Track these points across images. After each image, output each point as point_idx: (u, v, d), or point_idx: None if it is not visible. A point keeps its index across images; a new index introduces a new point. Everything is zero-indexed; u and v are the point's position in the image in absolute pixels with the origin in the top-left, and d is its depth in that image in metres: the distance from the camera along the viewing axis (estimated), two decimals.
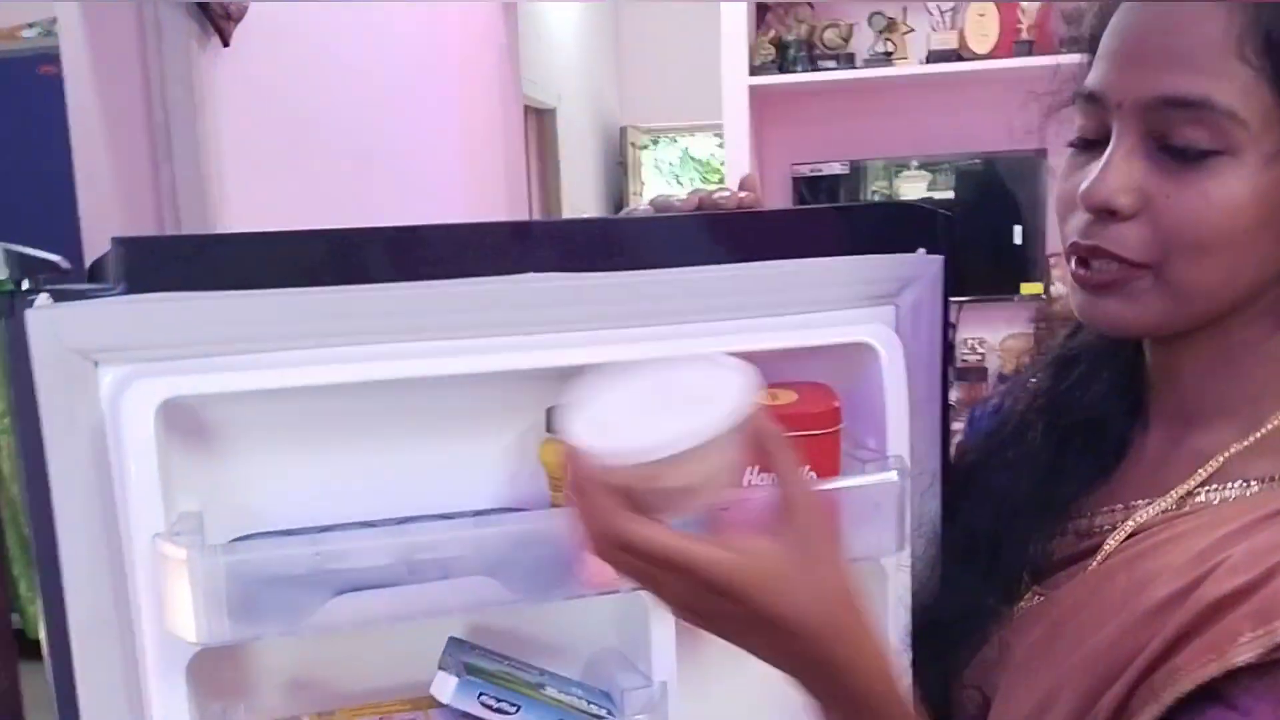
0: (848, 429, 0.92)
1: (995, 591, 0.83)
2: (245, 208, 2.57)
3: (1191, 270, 0.72)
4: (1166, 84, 0.70)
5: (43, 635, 0.78)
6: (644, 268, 0.86)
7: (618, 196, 6.92)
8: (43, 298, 0.75)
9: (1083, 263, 0.77)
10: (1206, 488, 0.76)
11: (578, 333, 0.84)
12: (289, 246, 0.80)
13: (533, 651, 0.92)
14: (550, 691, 0.82)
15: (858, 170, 3.72)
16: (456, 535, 0.77)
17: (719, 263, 0.87)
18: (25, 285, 0.76)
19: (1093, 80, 0.76)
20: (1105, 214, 0.74)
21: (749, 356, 0.87)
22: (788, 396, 0.85)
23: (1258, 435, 0.77)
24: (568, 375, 0.87)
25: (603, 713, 0.82)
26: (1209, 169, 0.70)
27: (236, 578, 0.71)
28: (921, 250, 0.92)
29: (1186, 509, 0.76)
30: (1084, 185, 0.74)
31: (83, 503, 0.75)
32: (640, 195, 7.30)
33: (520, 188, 4.46)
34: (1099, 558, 0.78)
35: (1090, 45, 0.82)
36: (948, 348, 0.94)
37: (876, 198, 3.75)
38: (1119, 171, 0.73)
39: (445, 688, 0.78)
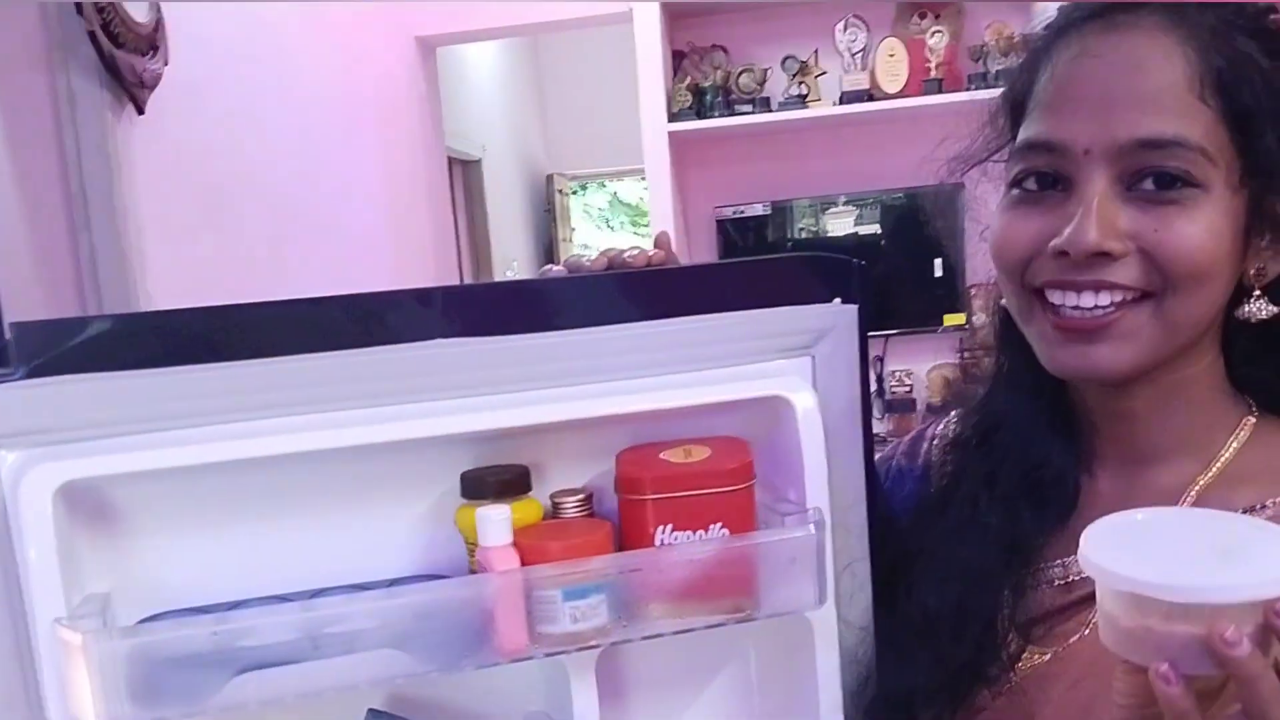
0: (770, 481, 0.93)
1: (980, 658, 0.84)
2: (166, 274, 2.54)
3: (1188, 300, 0.76)
4: (1142, 127, 0.74)
5: None
6: (556, 329, 0.86)
7: (547, 244, 6.93)
8: None
9: (1056, 310, 0.79)
10: None
11: (489, 396, 0.84)
12: (187, 323, 0.79)
13: (459, 718, 0.91)
14: None
15: (780, 210, 3.77)
16: (360, 608, 0.76)
17: (632, 320, 0.88)
18: None
19: (1045, 130, 0.79)
20: (1097, 257, 0.76)
21: (664, 413, 0.89)
22: (701, 452, 0.86)
23: (1218, 466, 0.81)
24: (480, 440, 0.88)
25: None
26: (1185, 203, 0.74)
27: (135, 660, 0.69)
28: (837, 300, 0.93)
29: None
30: (1067, 233, 0.76)
31: None
32: (569, 241, 7.32)
33: (448, 241, 4.45)
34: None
35: (1013, 102, 0.84)
36: (867, 395, 0.95)
37: (804, 235, 3.79)
38: (1103, 216, 0.75)
39: None
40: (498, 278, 5.53)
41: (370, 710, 0.85)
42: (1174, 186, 0.74)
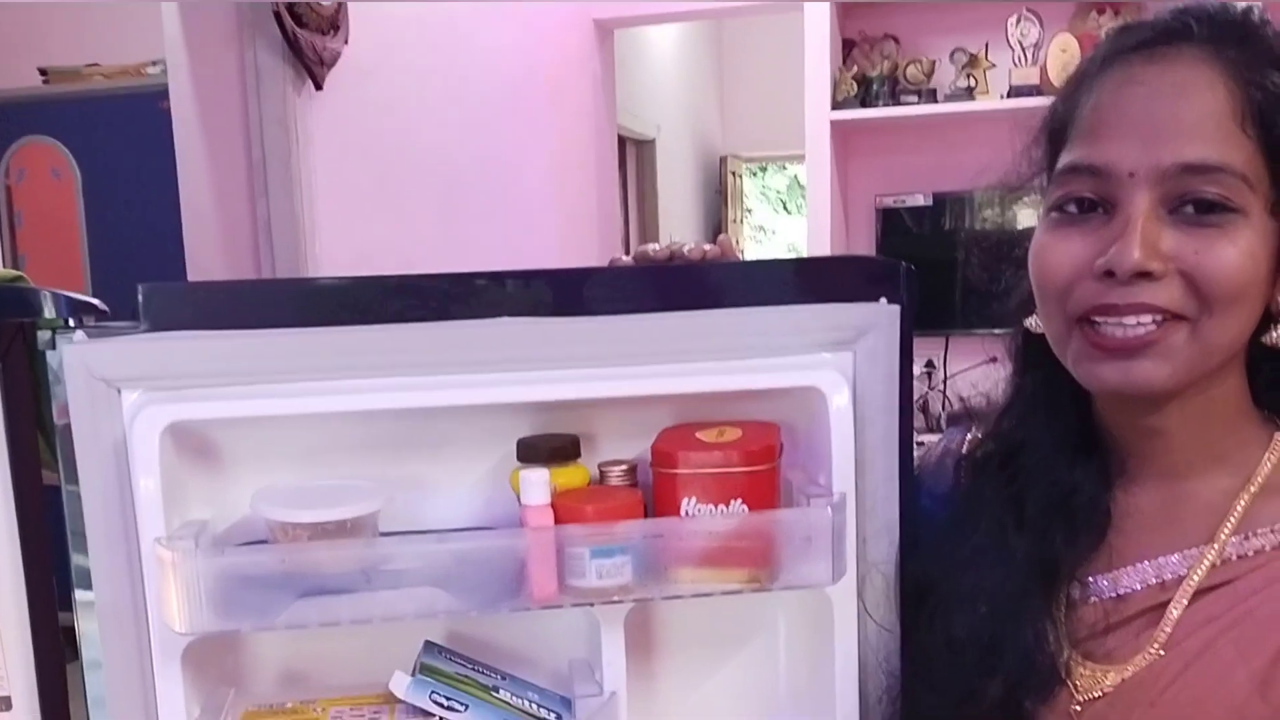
0: (805, 466, 1.00)
1: (1027, 681, 0.84)
2: (336, 242, 2.73)
3: (1224, 322, 0.79)
4: (1187, 152, 0.77)
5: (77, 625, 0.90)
6: (615, 314, 0.94)
7: (716, 224, 7.01)
8: (79, 334, 0.88)
9: (1096, 328, 0.81)
10: (1239, 536, 0.82)
11: (548, 371, 0.93)
12: (290, 291, 0.91)
13: (510, 659, 1.01)
14: (503, 694, 0.91)
15: (940, 202, 3.75)
16: (408, 550, 0.87)
17: (685, 309, 0.96)
18: (69, 323, 0.90)
19: (1090, 154, 0.81)
20: (1139, 278, 0.79)
21: (712, 396, 0.97)
22: (733, 433, 0.93)
23: (1260, 480, 0.83)
24: (539, 410, 0.98)
25: (551, 717, 0.91)
26: (1226, 227, 0.78)
27: (215, 578, 0.82)
28: (882, 299, 0.98)
29: (1238, 560, 0.81)
30: (1112, 252, 0.79)
31: (105, 509, 0.88)
32: (740, 223, 7.37)
33: (614, 219, 4.58)
34: (1168, 625, 0.81)
35: (1051, 131, 0.88)
36: (908, 393, 1.00)
37: (986, 226, 3.77)
38: (1147, 236, 0.78)
39: (400, 684, 0.88)
40: None
41: (426, 641, 0.96)
42: (1215, 211, 0.77)
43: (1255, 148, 0.77)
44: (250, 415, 0.89)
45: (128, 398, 0.88)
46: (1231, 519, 0.82)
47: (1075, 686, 0.84)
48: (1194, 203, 0.78)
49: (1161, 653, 0.81)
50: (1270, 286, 0.80)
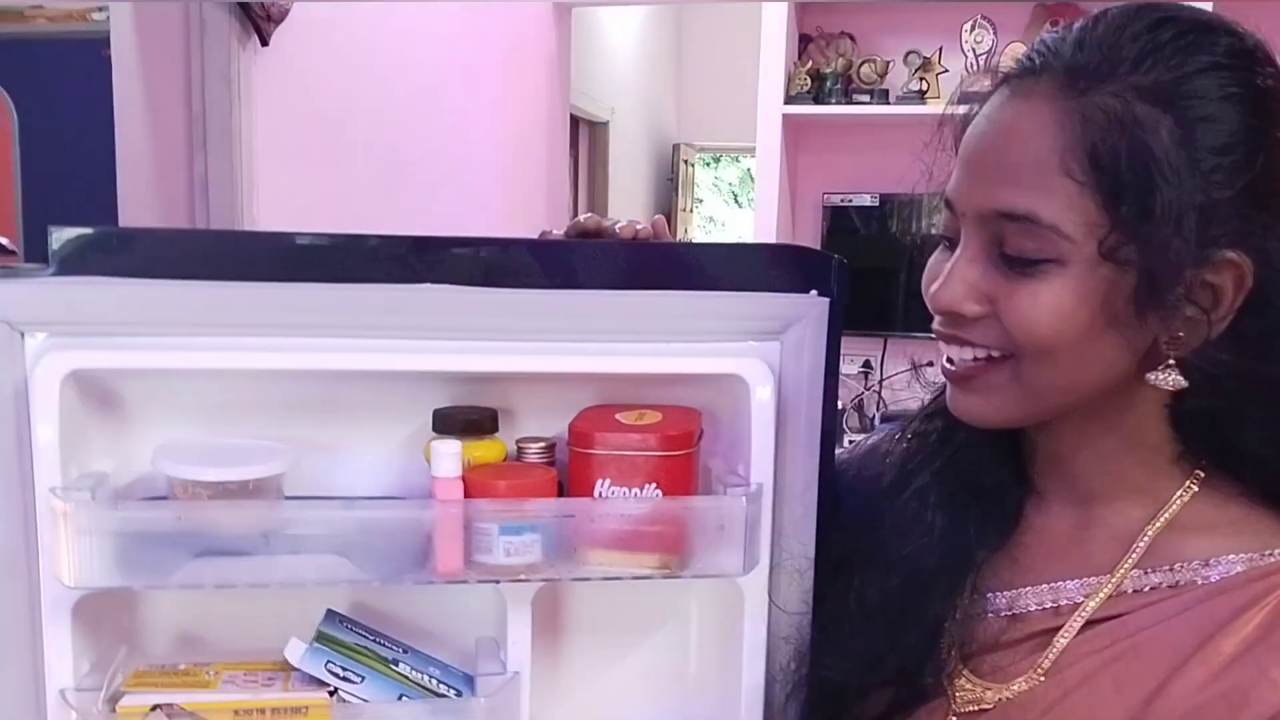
0: (725, 454, 0.99)
1: (917, 665, 0.85)
2: (275, 201, 2.68)
3: (1039, 368, 0.78)
4: (999, 198, 0.76)
5: None
6: (543, 288, 0.93)
7: (667, 212, 6.99)
8: None
9: (947, 358, 0.83)
10: (1141, 570, 0.81)
11: (471, 342, 0.91)
12: (201, 243, 0.89)
13: (415, 633, 0.99)
14: (402, 668, 0.89)
15: (886, 203, 3.77)
16: (310, 515, 0.85)
17: (614, 288, 0.94)
18: None
19: (949, 187, 0.82)
20: (954, 316, 0.80)
21: (637, 378, 0.96)
22: (652, 417, 0.92)
23: (1167, 516, 0.81)
24: (458, 380, 0.96)
25: (449, 693, 0.90)
26: (1039, 275, 0.75)
27: (109, 532, 0.80)
28: (813, 291, 0.98)
29: (1133, 594, 0.80)
30: (931, 290, 0.81)
31: (2, 455, 0.84)
32: (691, 211, 7.37)
33: (562, 198, 4.55)
34: (1053, 652, 0.81)
35: (957, 137, 0.87)
36: (833, 387, 0.99)
37: (933, 229, 3.79)
38: (962, 278, 0.79)
39: (295, 652, 0.86)
40: None
41: (328, 610, 0.94)
42: (1023, 258, 0.76)
43: (1081, 190, 0.73)
44: (156, 367, 0.86)
45: (31, 342, 0.85)
46: (1134, 553, 0.81)
47: (954, 698, 0.85)
48: (1008, 248, 0.77)
49: (1042, 679, 0.81)
50: (1121, 329, 0.76)
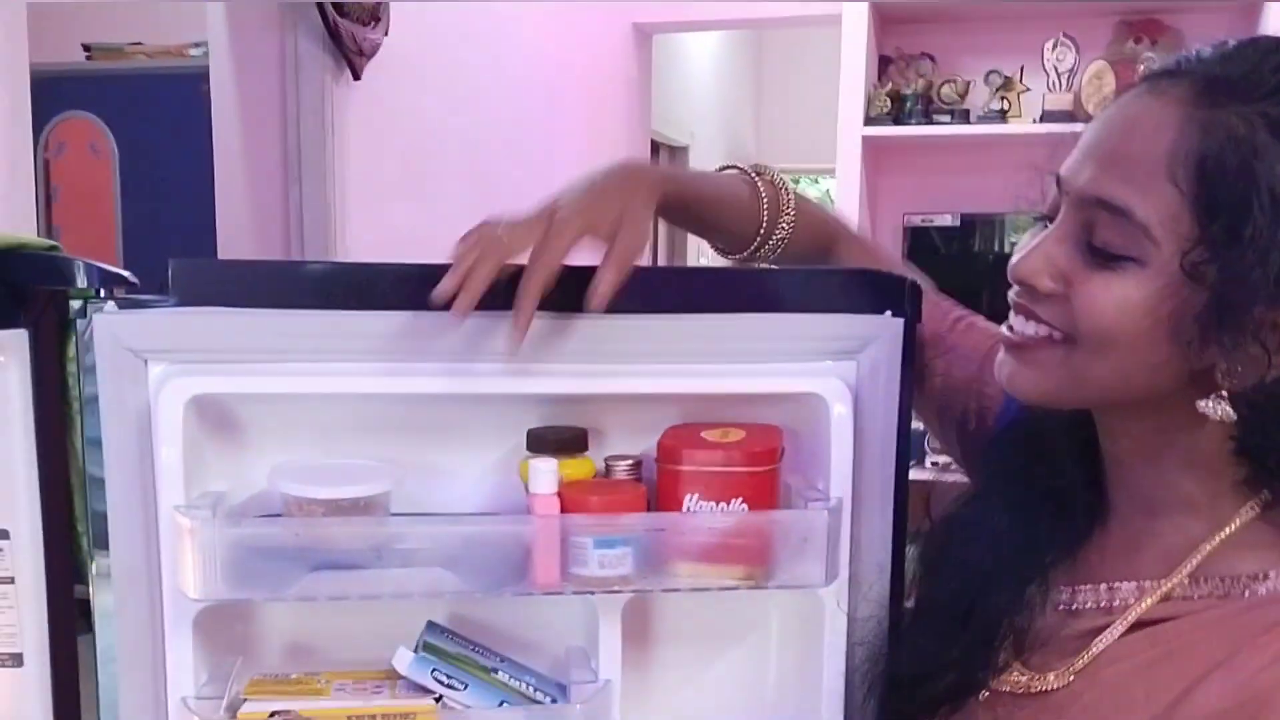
0: (805, 470, 1.02)
1: (971, 656, 0.87)
2: (365, 231, 2.77)
3: (1091, 358, 0.79)
4: (1103, 185, 0.77)
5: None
6: (632, 313, 0.97)
7: None
8: (109, 305, 0.91)
9: (1009, 325, 0.85)
10: (1190, 583, 0.81)
11: (562, 364, 0.96)
12: (317, 274, 0.94)
13: (509, 643, 1.04)
14: (501, 676, 0.93)
15: (969, 223, 3.76)
16: (419, 530, 0.90)
17: (698, 311, 0.98)
18: (100, 293, 0.93)
19: (1063, 165, 0.82)
20: (1027, 288, 0.82)
21: (720, 398, 1.00)
22: (736, 435, 0.96)
23: (1226, 533, 0.81)
24: (551, 402, 1.00)
25: (545, 700, 0.94)
26: (1117, 270, 0.77)
27: (230, 547, 0.85)
28: (888, 312, 1.01)
29: (1181, 599, 0.81)
30: (1015, 258, 0.83)
31: (128, 476, 0.91)
32: None
33: None
34: (1091, 652, 0.82)
35: None
36: (907, 405, 1.02)
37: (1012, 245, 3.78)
38: (1046, 253, 0.81)
39: (403, 660, 0.91)
40: (690, 262, 5.67)
41: (429, 621, 0.99)
42: (1106, 250, 0.77)
43: (1181, 200, 0.74)
44: (271, 392, 0.92)
45: (154, 369, 0.91)
46: (1190, 563, 0.81)
47: (999, 683, 0.86)
48: (1094, 236, 0.78)
49: (1072, 678, 0.82)
50: (1184, 346, 0.76)
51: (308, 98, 2.59)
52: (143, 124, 3.55)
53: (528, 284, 0.88)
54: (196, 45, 3.45)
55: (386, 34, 2.75)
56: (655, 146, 5.03)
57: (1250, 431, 0.78)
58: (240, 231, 2.64)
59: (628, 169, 0.99)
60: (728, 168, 1.13)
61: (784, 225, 1.08)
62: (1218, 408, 0.77)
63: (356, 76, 2.66)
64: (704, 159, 6.15)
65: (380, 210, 2.86)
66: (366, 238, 2.75)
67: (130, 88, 3.61)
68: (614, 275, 0.90)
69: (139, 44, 3.74)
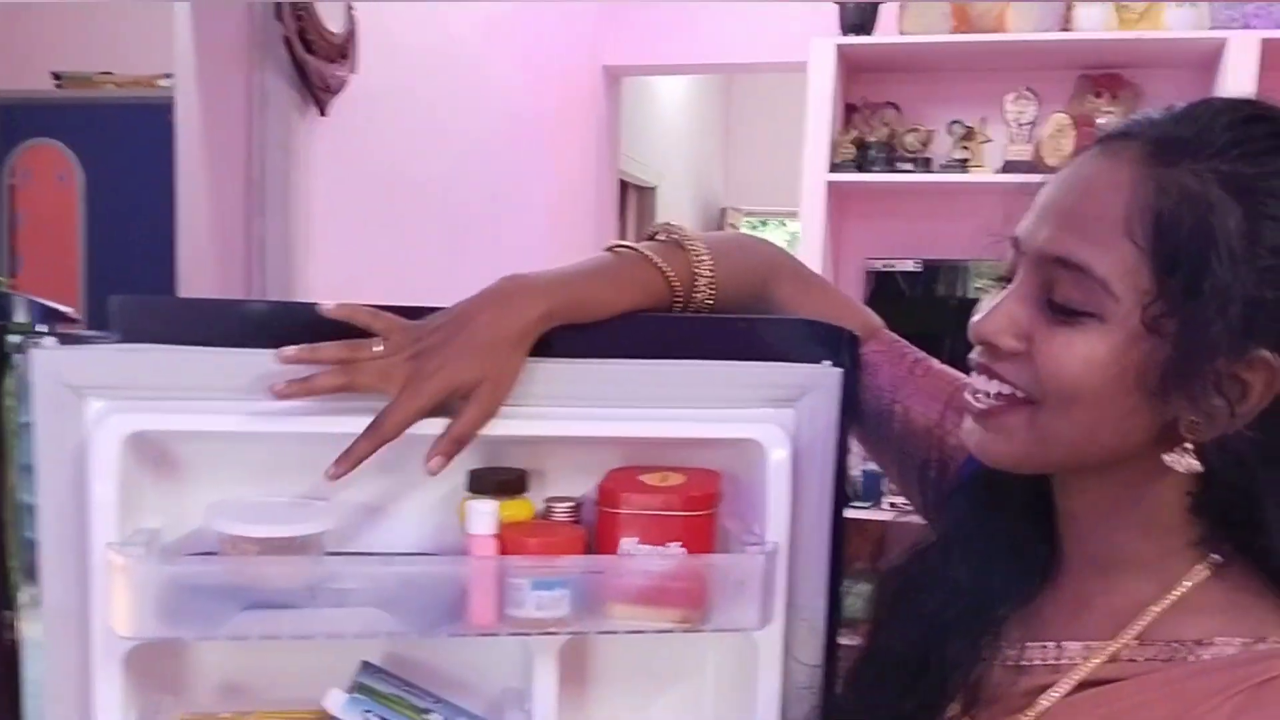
0: (742, 514, 1.03)
1: (925, 709, 0.88)
2: (330, 267, 2.77)
3: (1056, 417, 0.79)
4: (1060, 244, 0.78)
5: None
6: (573, 358, 0.98)
7: None
8: (49, 340, 0.91)
9: (972, 390, 0.85)
10: (1137, 644, 0.81)
11: (505, 405, 0.96)
12: (253, 312, 0.95)
13: (444, 683, 1.04)
14: (435, 718, 0.94)
15: (931, 269, 3.80)
16: (353, 570, 0.90)
17: (640, 357, 0.99)
18: (39, 329, 0.93)
19: (1019, 226, 0.83)
20: (989, 347, 0.82)
21: (660, 442, 1.01)
22: (676, 479, 0.97)
23: (1175, 595, 0.81)
24: (491, 443, 1.01)
25: None
26: (1079, 326, 0.77)
27: (162, 585, 0.85)
28: (826, 362, 1.02)
29: (1126, 662, 0.81)
30: (976, 318, 0.83)
31: (61, 511, 0.90)
32: None
33: None
34: (1037, 708, 0.82)
35: None
36: (843, 452, 1.04)
37: (981, 294, 3.81)
38: (1008, 312, 0.81)
39: (335, 702, 0.91)
40: None
41: (363, 662, 0.98)
42: (1067, 308, 0.78)
43: (1139, 255, 0.75)
44: (210, 430, 0.92)
45: (92, 405, 0.91)
46: (1138, 625, 0.82)
47: None
48: (1055, 294, 0.79)
49: None
50: (1146, 400, 0.77)
51: (274, 132, 2.59)
52: (111, 153, 3.53)
53: (370, 436, 0.90)
54: (167, 76, 3.44)
55: (354, 71, 2.76)
56: (624, 186, 5.06)
57: (1212, 485, 0.79)
58: (202, 264, 2.63)
59: (505, 294, 0.95)
60: (618, 247, 1.05)
61: (701, 287, 1.04)
62: (1183, 460, 0.78)
63: (323, 113, 2.66)
64: (672, 199, 6.19)
65: (344, 246, 2.86)
66: (330, 274, 2.75)
67: (99, 116, 3.58)
68: (451, 449, 0.92)
69: (109, 73, 3.73)
